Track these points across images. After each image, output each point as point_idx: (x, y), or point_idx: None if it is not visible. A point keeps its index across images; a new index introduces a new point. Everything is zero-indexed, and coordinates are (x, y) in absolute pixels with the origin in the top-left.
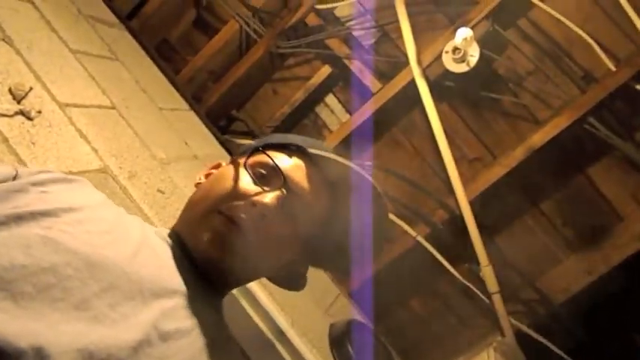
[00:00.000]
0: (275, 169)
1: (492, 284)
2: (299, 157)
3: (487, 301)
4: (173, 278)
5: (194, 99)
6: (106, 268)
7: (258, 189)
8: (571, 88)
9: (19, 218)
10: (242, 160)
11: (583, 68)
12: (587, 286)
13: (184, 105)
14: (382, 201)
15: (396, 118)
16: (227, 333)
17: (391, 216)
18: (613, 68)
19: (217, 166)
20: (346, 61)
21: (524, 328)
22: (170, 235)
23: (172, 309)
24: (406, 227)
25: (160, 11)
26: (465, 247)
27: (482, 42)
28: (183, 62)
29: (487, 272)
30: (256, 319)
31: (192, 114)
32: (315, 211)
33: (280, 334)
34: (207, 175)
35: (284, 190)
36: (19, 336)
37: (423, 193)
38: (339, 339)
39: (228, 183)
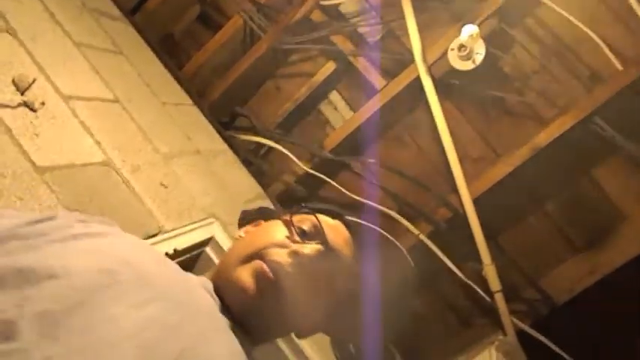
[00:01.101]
0: (316, 227)
1: (495, 283)
2: (338, 220)
3: (489, 300)
4: (212, 312)
5: (197, 94)
6: (155, 281)
7: (298, 241)
8: (577, 87)
9: (74, 237)
10: (285, 217)
11: (590, 67)
12: (591, 286)
13: (187, 100)
14: (412, 272)
15: (401, 115)
16: None
17: (393, 214)
18: (620, 67)
19: (257, 224)
20: (351, 58)
21: (526, 328)
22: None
23: (210, 337)
24: (409, 225)
25: (163, 6)
26: (468, 246)
27: (489, 40)
28: (186, 57)
29: (490, 271)
30: None
31: (195, 109)
32: (349, 270)
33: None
34: (246, 232)
35: (322, 246)
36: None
37: (426, 192)
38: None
39: (271, 234)
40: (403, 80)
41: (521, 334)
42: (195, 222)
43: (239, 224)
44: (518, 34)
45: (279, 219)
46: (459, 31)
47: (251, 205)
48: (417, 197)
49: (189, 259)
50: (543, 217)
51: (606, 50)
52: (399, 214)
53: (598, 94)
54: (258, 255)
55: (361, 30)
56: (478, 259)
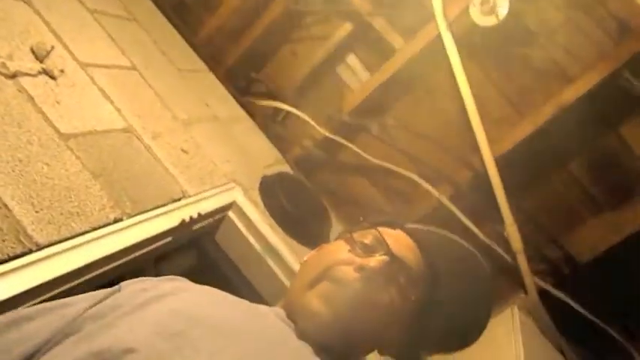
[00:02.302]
0: (378, 239)
1: (517, 243)
2: (399, 230)
3: (511, 260)
4: (289, 341)
5: (213, 60)
6: (227, 326)
7: (362, 255)
8: (605, 40)
9: (141, 306)
10: (346, 235)
11: (617, 18)
12: (615, 245)
13: (203, 66)
14: (485, 271)
15: (420, 75)
16: None
17: (413, 176)
18: None
19: (319, 248)
20: (368, 18)
21: (548, 287)
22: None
23: None
24: (429, 187)
25: None
26: (489, 207)
27: None
28: (200, 23)
29: (512, 231)
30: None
31: (211, 75)
32: (420, 277)
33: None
34: (310, 256)
35: (387, 256)
36: None
37: (447, 153)
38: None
39: (333, 254)
40: (423, 39)
41: (542, 294)
42: (216, 187)
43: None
44: None
45: (340, 238)
46: None
47: (271, 170)
48: (438, 159)
49: (213, 223)
50: (567, 176)
51: None
52: (420, 177)
53: (627, 46)
54: (324, 276)
55: None
56: (499, 219)
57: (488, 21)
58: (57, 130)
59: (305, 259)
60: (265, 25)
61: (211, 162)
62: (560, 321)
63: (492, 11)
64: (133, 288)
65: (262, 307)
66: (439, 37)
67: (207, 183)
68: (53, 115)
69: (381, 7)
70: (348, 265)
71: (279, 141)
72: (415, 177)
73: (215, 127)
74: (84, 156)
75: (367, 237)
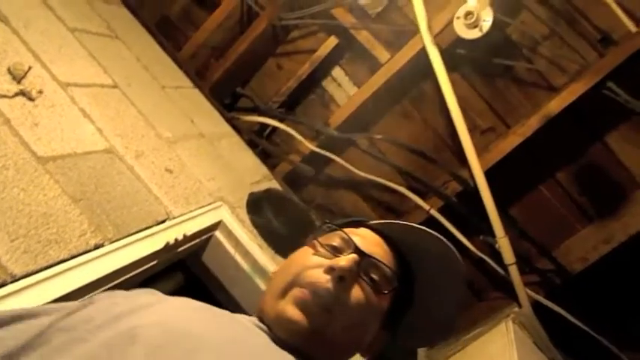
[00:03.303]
0: (344, 239)
1: (509, 255)
2: (364, 228)
3: (503, 272)
4: (271, 349)
5: (197, 76)
6: (207, 337)
7: (332, 256)
8: (588, 51)
9: (117, 318)
10: (310, 241)
11: (601, 30)
12: (605, 255)
13: (188, 82)
14: (455, 257)
15: (406, 89)
16: None
17: (403, 190)
18: (633, 29)
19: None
20: (353, 32)
21: (542, 299)
22: (257, 319)
23: None
24: (419, 201)
25: None
26: (479, 219)
27: (495, 6)
28: (184, 38)
29: (504, 244)
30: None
31: (196, 91)
32: (390, 272)
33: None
34: (277, 269)
35: (356, 254)
36: None
37: (436, 166)
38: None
39: (303, 259)
40: (408, 52)
41: (536, 306)
42: (202, 206)
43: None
44: None
45: (306, 245)
46: None
47: (258, 186)
48: (427, 172)
49: (199, 244)
50: (555, 187)
51: (618, 11)
52: (409, 190)
53: (610, 57)
54: (295, 283)
55: (362, 2)
56: (490, 232)
57: (473, 34)
58: (34, 154)
59: (273, 270)
60: (250, 40)
61: (197, 181)
62: (554, 333)
63: (476, 24)
64: (105, 302)
65: (241, 317)
66: (424, 50)
67: (192, 203)
68: (30, 137)
69: (365, 21)
70: (318, 268)
71: (266, 157)
72: (404, 190)
73: (200, 144)
74: (63, 180)
75: (333, 239)
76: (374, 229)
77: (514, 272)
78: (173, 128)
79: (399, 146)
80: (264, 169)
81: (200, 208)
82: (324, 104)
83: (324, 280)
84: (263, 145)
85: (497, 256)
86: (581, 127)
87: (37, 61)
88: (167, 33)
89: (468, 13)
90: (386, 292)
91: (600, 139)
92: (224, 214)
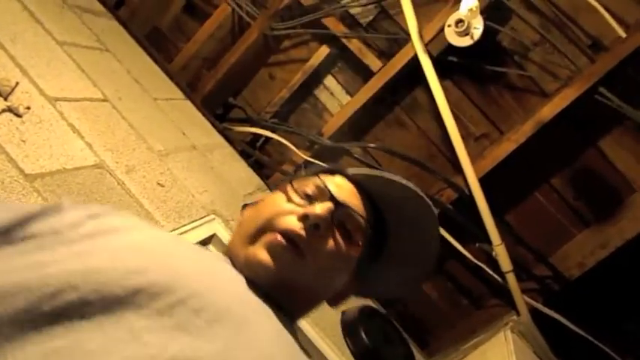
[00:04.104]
0: (319, 187)
1: (506, 263)
2: (340, 176)
3: (500, 280)
4: (245, 293)
5: (189, 87)
6: (185, 275)
7: (307, 203)
8: (579, 57)
9: (91, 235)
10: (285, 186)
11: (591, 36)
12: (602, 260)
13: (179, 94)
14: (429, 207)
15: (399, 97)
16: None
17: None
18: (623, 34)
19: (256, 204)
20: (344, 41)
21: (540, 306)
22: (225, 257)
23: (251, 317)
24: None
25: None
26: (475, 227)
27: (486, 13)
28: (175, 50)
29: (500, 251)
30: None
31: (187, 103)
32: (364, 222)
33: None
34: (247, 213)
35: (331, 202)
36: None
37: (430, 174)
38: (352, 326)
39: (276, 204)
40: (400, 61)
41: (534, 313)
42: (195, 220)
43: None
44: (515, 5)
45: (279, 190)
46: (455, 7)
47: (251, 198)
48: (421, 180)
49: None
50: (550, 193)
51: (607, 17)
52: None
53: (601, 63)
54: (267, 228)
55: (353, 11)
56: (487, 239)
57: (464, 41)
58: (22, 171)
59: (243, 214)
60: (242, 51)
61: (189, 194)
62: (553, 341)
63: (467, 32)
64: (78, 214)
65: (213, 253)
66: (416, 58)
67: (185, 216)
68: (18, 155)
69: (357, 30)
70: (291, 214)
71: (259, 167)
72: None
73: (193, 156)
74: (51, 197)
75: (308, 185)
76: (350, 177)
77: (511, 280)
78: (165, 141)
79: (393, 154)
80: (257, 180)
81: (193, 222)
82: (317, 113)
83: (298, 227)
84: (256, 155)
85: (494, 263)
86: (575, 133)
87: (25, 76)
88: (158, 44)
89: (459, 21)
90: (359, 243)
91: (594, 145)
92: (217, 228)
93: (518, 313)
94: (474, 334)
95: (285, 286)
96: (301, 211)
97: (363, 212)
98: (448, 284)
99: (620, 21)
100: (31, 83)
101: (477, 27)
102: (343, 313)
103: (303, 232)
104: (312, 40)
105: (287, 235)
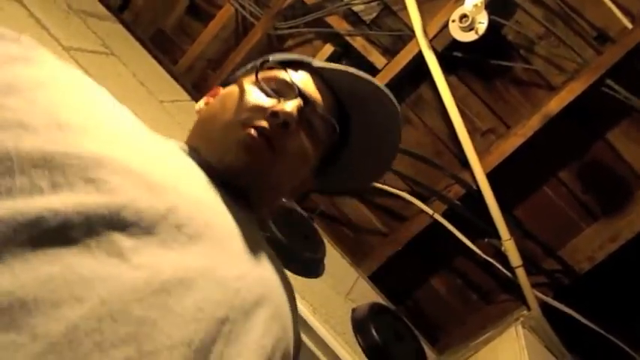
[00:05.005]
0: (287, 82)
1: (515, 258)
2: (305, 70)
3: (510, 275)
4: (213, 192)
5: (194, 89)
6: (161, 184)
7: (275, 100)
8: (585, 49)
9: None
10: (250, 78)
11: (597, 28)
12: (612, 253)
13: (185, 96)
14: (394, 106)
15: (404, 94)
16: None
17: (405, 195)
18: (629, 25)
19: (215, 93)
20: (348, 39)
21: (550, 300)
22: (188, 149)
23: (229, 230)
24: (422, 206)
25: (152, 1)
26: (484, 222)
27: (490, 8)
28: (180, 52)
29: (509, 246)
30: None
31: (194, 104)
32: (330, 118)
33: (302, 322)
34: (206, 103)
35: (299, 99)
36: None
37: (437, 170)
38: (363, 324)
39: (243, 99)
40: (404, 57)
41: (545, 307)
42: None
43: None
44: None
45: (244, 80)
46: (459, 2)
47: None
48: (429, 176)
49: None
50: (559, 187)
51: (613, 8)
52: (411, 195)
53: (608, 55)
54: (237, 122)
55: (356, 8)
56: (495, 234)
57: (469, 36)
58: None
59: (198, 108)
60: (246, 51)
61: None
62: (565, 335)
63: (472, 27)
64: None
65: (169, 142)
66: (421, 54)
67: None
68: None
69: (361, 28)
70: (261, 111)
71: None
72: (407, 196)
73: None
74: None
75: (276, 79)
76: (316, 70)
77: (521, 274)
78: None
79: (400, 151)
80: None
81: None
82: None
83: (268, 124)
84: None
85: (503, 258)
86: (582, 126)
87: None
88: (162, 47)
89: (463, 16)
90: (325, 140)
91: (602, 137)
92: None
93: (528, 308)
94: (485, 330)
95: (254, 180)
96: (270, 107)
97: (329, 109)
98: (457, 280)
99: (626, 12)
100: None
101: (482, 22)
102: (353, 310)
103: (273, 130)
104: (316, 38)
105: (260, 131)
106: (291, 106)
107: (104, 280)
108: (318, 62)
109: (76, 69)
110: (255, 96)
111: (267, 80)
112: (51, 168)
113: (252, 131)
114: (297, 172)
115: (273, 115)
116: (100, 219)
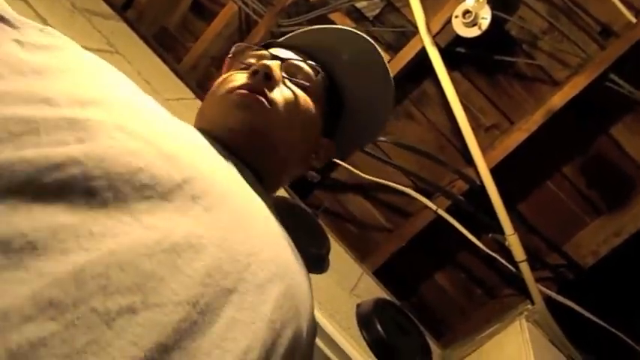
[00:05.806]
0: (263, 54)
1: (519, 252)
2: (275, 47)
3: (514, 270)
4: (228, 169)
5: (199, 87)
6: (178, 157)
7: (255, 62)
8: (589, 44)
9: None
10: (230, 62)
11: (600, 22)
12: (616, 247)
13: (189, 94)
14: (366, 40)
15: (408, 90)
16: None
17: (409, 191)
18: (633, 20)
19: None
20: None
21: (554, 295)
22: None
23: (243, 205)
24: (426, 201)
25: None
26: (488, 217)
27: (493, 3)
28: (184, 50)
29: (513, 241)
30: None
31: (198, 102)
32: (312, 67)
33: None
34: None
35: (277, 60)
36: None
37: (441, 166)
38: (368, 319)
39: (226, 79)
40: (408, 53)
41: (549, 302)
42: None
43: None
44: None
45: (227, 65)
46: None
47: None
48: (432, 172)
49: None
50: (562, 181)
51: (617, 2)
52: (415, 191)
53: (611, 49)
54: (227, 92)
55: (359, 5)
56: (499, 229)
57: (472, 32)
58: None
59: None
60: None
61: None
62: (569, 330)
63: (475, 22)
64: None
65: (183, 123)
66: (424, 50)
67: None
68: None
69: (364, 24)
70: (244, 77)
71: None
72: (411, 191)
73: None
74: None
75: (251, 56)
76: (284, 45)
77: (525, 269)
78: None
79: (403, 147)
80: None
81: None
82: None
83: (252, 81)
84: None
85: (507, 253)
86: (586, 121)
87: None
88: (166, 44)
89: (466, 12)
90: (316, 92)
91: (605, 132)
92: None
93: (532, 302)
94: (489, 324)
95: (261, 140)
96: (252, 68)
97: (309, 63)
98: (462, 275)
99: (629, 6)
100: None
101: (485, 17)
102: (358, 305)
103: (259, 85)
104: None
105: (248, 88)
106: (267, 61)
107: (115, 235)
108: (282, 39)
109: (96, 56)
110: (238, 70)
111: (245, 58)
112: (75, 129)
113: (240, 90)
114: (298, 125)
115: (254, 73)
116: (118, 176)
